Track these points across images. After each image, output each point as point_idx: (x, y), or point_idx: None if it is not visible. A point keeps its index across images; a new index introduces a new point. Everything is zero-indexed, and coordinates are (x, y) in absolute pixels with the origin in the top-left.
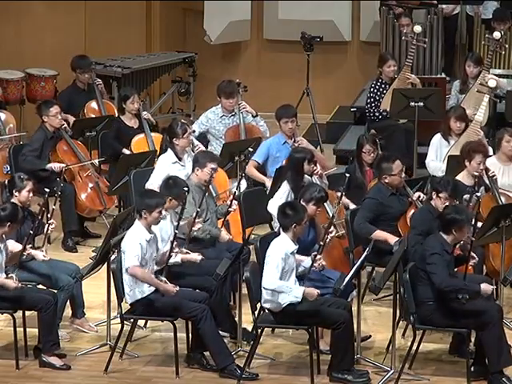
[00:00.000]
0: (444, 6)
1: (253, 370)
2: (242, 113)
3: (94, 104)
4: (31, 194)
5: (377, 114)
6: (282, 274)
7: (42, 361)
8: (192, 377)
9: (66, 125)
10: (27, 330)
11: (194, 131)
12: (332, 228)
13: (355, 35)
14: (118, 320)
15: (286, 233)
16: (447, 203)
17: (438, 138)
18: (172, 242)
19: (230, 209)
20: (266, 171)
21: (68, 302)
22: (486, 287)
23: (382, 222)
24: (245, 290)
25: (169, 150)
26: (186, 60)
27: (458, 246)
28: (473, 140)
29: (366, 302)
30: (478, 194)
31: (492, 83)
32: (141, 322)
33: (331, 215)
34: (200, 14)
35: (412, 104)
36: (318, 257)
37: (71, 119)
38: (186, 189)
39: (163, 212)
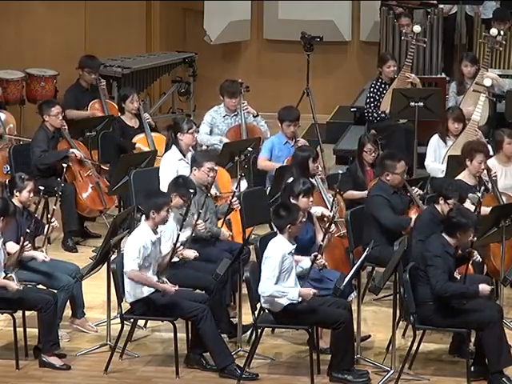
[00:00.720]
0: (443, 5)
1: (253, 369)
2: (243, 113)
3: (97, 104)
4: (32, 195)
5: (375, 115)
6: (280, 275)
7: (42, 361)
8: (192, 377)
9: (66, 126)
10: (27, 329)
11: (198, 131)
12: (333, 226)
13: (355, 35)
14: (118, 320)
15: (282, 234)
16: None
17: (435, 139)
18: (175, 244)
19: (232, 206)
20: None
21: (68, 302)
22: (484, 287)
23: None
24: (245, 290)
25: (173, 147)
26: (186, 60)
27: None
28: (472, 140)
29: (365, 302)
30: (479, 194)
31: (487, 82)
32: (141, 322)
33: (332, 215)
34: (200, 13)
35: (412, 104)
36: (319, 256)
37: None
38: (192, 190)
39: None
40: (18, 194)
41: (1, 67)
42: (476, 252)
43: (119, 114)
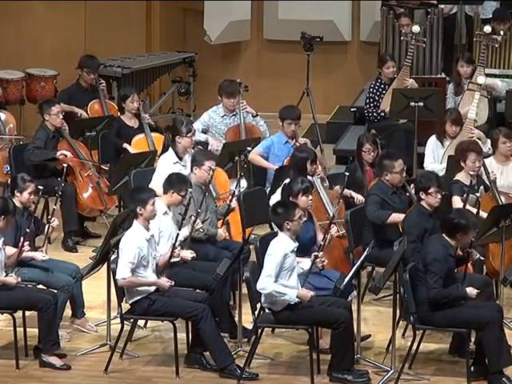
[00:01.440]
0: (443, 5)
1: (253, 369)
2: (242, 112)
3: (97, 104)
4: (33, 196)
5: (375, 115)
6: (280, 273)
7: (42, 361)
8: (192, 377)
9: (66, 126)
10: (27, 329)
11: (194, 133)
12: (333, 226)
13: (355, 35)
14: (118, 320)
15: (282, 232)
16: (439, 196)
17: (433, 140)
18: (174, 244)
19: (230, 206)
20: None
21: (68, 302)
22: (470, 291)
23: None
24: (245, 290)
25: (170, 149)
26: (186, 60)
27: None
28: (463, 140)
29: (365, 302)
30: (478, 194)
31: (481, 80)
32: (141, 322)
33: (331, 215)
34: (200, 13)
35: (412, 104)
36: (320, 254)
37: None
38: (187, 185)
39: (165, 208)
40: (18, 194)
41: (1, 67)
42: (474, 251)
43: (119, 114)
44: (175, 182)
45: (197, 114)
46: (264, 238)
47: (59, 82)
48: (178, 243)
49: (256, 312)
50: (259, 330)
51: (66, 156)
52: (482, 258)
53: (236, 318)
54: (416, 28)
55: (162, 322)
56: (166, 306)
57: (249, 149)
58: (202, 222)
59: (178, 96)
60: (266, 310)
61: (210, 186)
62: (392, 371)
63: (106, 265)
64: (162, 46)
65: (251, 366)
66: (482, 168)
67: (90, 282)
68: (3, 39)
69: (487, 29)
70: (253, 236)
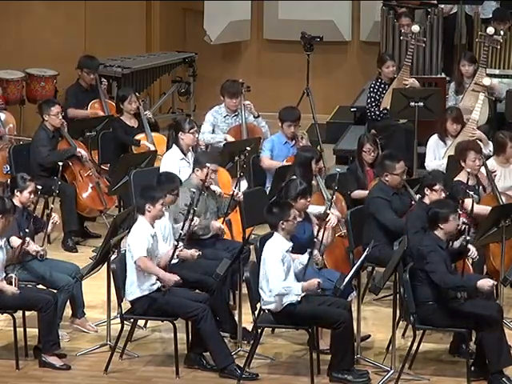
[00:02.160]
0: (443, 5)
1: (253, 370)
2: (244, 112)
3: (97, 104)
4: (32, 196)
5: (377, 113)
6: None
7: (41, 361)
8: (192, 377)
9: (65, 125)
10: (27, 329)
11: (197, 130)
12: (329, 218)
13: (355, 35)
14: (118, 320)
15: (277, 232)
16: (443, 195)
17: (434, 140)
18: (176, 244)
19: (236, 199)
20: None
21: (68, 302)
22: (483, 283)
23: None
24: (245, 290)
25: (174, 146)
26: (186, 60)
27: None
28: (462, 140)
29: (365, 302)
30: (476, 196)
31: (487, 81)
32: (141, 322)
33: (325, 210)
34: (200, 14)
35: (412, 104)
36: (315, 252)
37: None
38: (177, 183)
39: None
40: (18, 194)
41: (1, 67)
42: (474, 249)
43: (118, 114)
44: (165, 183)
45: (197, 114)
46: (264, 238)
47: (59, 82)
48: (180, 243)
49: (256, 312)
50: (259, 330)
51: (81, 155)
52: (477, 256)
53: (236, 318)
54: (416, 28)
55: (162, 321)
56: (166, 306)
57: (249, 149)
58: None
59: (178, 96)
60: (266, 311)
61: (214, 186)
62: (392, 371)
63: (106, 265)
64: (161, 46)
65: (251, 365)
66: (483, 168)
67: (89, 282)
68: (3, 39)
69: (490, 30)
70: (253, 236)
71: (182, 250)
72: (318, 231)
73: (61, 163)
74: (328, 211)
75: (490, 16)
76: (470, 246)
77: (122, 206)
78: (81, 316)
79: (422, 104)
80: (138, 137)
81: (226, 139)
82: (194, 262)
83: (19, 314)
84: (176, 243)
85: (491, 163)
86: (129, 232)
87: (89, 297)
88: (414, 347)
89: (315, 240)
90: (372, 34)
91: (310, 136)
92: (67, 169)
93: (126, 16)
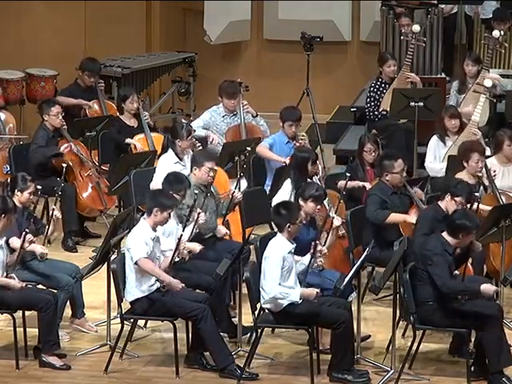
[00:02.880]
0: (443, 5)
1: (253, 370)
2: (243, 112)
3: (95, 104)
4: (32, 196)
5: (376, 113)
6: (281, 275)
7: (41, 361)
8: (192, 377)
9: (65, 125)
10: (27, 329)
11: (194, 130)
12: (335, 223)
13: (355, 35)
14: (118, 320)
15: (281, 233)
16: (461, 207)
17: (434, 140)
18: (177, 244)
19: (235, 200)
20: (266, 168)
21: (68, 302)
22: (486, 287)
23: None
24: (245, 290)
25: (170, 150)
26: (186, 60)
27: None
28: (467, 140)
29: (365, 302)
30: (477, 194)
31: (488, 83)
32: (141, 322)
33: (329, 214)
34: (200, 13)
35: (412, 104)
36: (319, 248)
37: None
38: (186, 185)
39: None
40: (18, 193)
41: (1, 67)
42: (477, 243)
43: (118, 114)
44: (173, 182)
45: (197, 114)
46: (264, 238)
47: (59, 82)
48: (182, 244)
49: (256, 312)
50: (259, 330)
51: (70, 148)
52: (480, 247)
53: (236, 318)
54: (416, 27)
55: (162, 321)
56: (166, 306)
57: (249, 149)
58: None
59: (178, 96)
60: (266, 310)
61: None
62: (392, 371)
63: (106, 265)
64: (161, 46)
65: (251, 365)
66: (484, 169)
67: (89, 282)
68: (3, 39)
69: (496, 34)
70: (253, 236)
71: (183, 249)
72: (321, 233)
73: (64, 164)
74: (331, 213)
75: (490, 16)
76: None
77: (122, 206)
78: (81, 316)
79: (422, 104)
80: (137, 137)
81: (207, 134)
82: (194, 262)
83: (19, 313)
84: (177, 244)
85: (492, 162)
86: (129, 232)
87: (89, 297)
88: (414, 347)
89: (317, 242)
90: (372, 34)
91: (310, 136)
92: (67, 169)
93: (126, 16)
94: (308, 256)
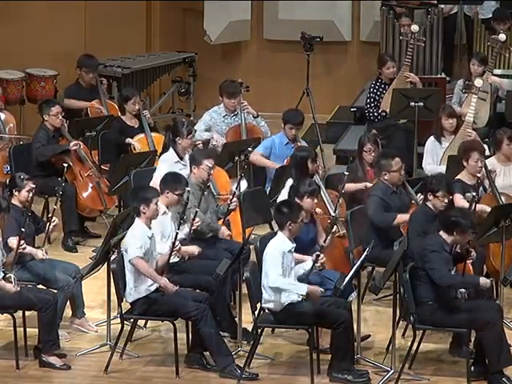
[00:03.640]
0: (443, 5)
1: (253, 370)
2: (243, 112)
3: (97, 103)
4: (31, 194)
5: (375, 114)
6: (282, 271)
7: (42, 361)
8: (192, 377)
9: (66, 125)
10: (27, 329)
11: (195, 130)
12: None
13: (355, 35)
14: (118, 320)
15: (282, 231)
16: (446, 200)
17: (431, 141)
18: (173, 243)
19: (230, 207)
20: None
21: (68, 302)
22: (485, 280)
23: None
24: (245, 290)
25: (170, 149)
26: (186, 60)
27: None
28: (466, 139)
29: (365, 302)
30: (474, 193)
31: (478, 82)
32: (141, 322)
33: (333, 215)
34: (200, 14)
35: (412, 104)
36: (321, 256)
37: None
38: (183, 184)
39: (164, 208)
40: (17, 193)
41: (1, 67)
42: (474, 252)
43: (119, 114)
44: (169, 182)
45: (197, 114)
46: (264, 238)
47: (59, 82)
48: (177, 242)
49: (256, 312)
50: (259, 330)
51: (79, 146)
52: (474, 256)
53: (236, 318)
54: (415, 27)
55: (162, 321)
56: (166, 306)
57: (250, 149)
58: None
59: (178, 96)
60: (266, 310)
61: (211, 185)
62: (392, 371)
63: (106, 265)
64: (161, 46)
65: (251, 365)
66: (483, 169)
67: (89, 282)
68: (3, 39)
69: (502, 37)
70: (253, 236)
71: (179, 249)
72: (326, 238)
73: (65, 164)
74: (333, 214)
75: (489, 16)
76: (471, 249)
77: (122, 206)
78: (81, 316)
79: (422, 104)
80: (137, 137)
81: (211, 137)
82: (194, 262)
83: (19, 313)
84: (173, 242)
85: (492, 162)
86: None
87: (89, 297)
88: (414, 347)
89: (322, 244)
90: (372, 34)
91: (310, 136)
92: (68, 169)
93: (125, 16)
94: (309, 262)
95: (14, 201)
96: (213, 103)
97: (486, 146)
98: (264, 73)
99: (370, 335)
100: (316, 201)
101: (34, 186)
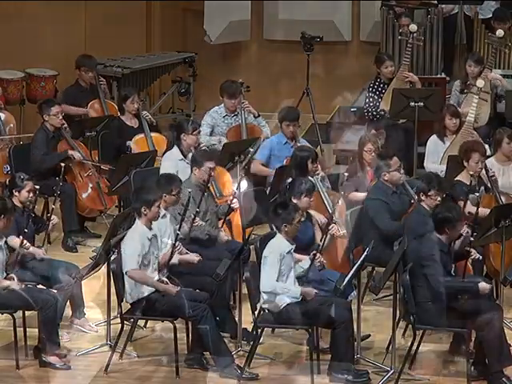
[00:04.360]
0: (443, 5)
1: (253, 370)
2: (244, 112)
3: (96, 103)
4: (31, 194)
5: (375, 113)
6: (279, 274)
7: (41, 361)
8: (192, 377)
9: (66, 125)
10: (27, 329)
11: (199, 131)
12: (332, 226)
13: (355, 35)
14: (118, 320)
15: (280, 233)
16: (439, 199)
17: (433, 140)
18: (173, 244)
19: (231, 205)
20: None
21: (68, 302)
22: (483, 285)
23: None
24: (245, 290)
25: (175, 147)
26: (186, 60)
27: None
28: (468, 140)
29: (366, 302)
30: (477, 194)
31: (480, 83)
32: (141, 322)
33: (330, 214)
34: (200, 14)
35: (412, 104)
36: (318, 255)
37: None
38: (177, 183)
39: (163, 210)
40: (17, 193)
41: (1, 67)
42: (474, 251)
43: (118, 114)
44: (164, 185)
45: (197, 114)
46: (264, 238)
47: (59, 82)
48: (177, 242)
49: (256, 312)
50: (259, 330)
51: (74, 157)
52: (480, 257)
53: (236, 318)
54: (413, 27)
55: (162, 322)
56: (166, 306)
57: (251, 150)
58: (205, 222)
59: (178, 96)
60: (266, 311)
61: (214, 186)
62: (392, 371)
63: (106, 265)
64: (161, 46)
65: (251, 365)
66: (484, 169)
67: (89, 282)
68: (3, 39)
69: (499, 33)
70: (253, 236)
71: (180, 250)
72: (323, 236)
73: (63, 164)
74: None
75: (489, 16)
76: (471, 249)
77: (122, 206)
78: (81, 316)
79: (422, 104)
80: (137, 137)
81: (220, 140)
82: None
83: (19, 313)
84: (174, 243)
85: (491, 162)
86: None
87: (89, 297)
88: (414, 347)
89: (318, 243)
90: (372, 34)
91: (310, 136)
92: (67, 169)
93: (125, 16)
94: (307, 261)
95: (14, 201)
96: (213, 103)
97: (486, 146)
98: (264, 73)
99: (370, 335)
100: (312, 199)
101: (37, 186)
